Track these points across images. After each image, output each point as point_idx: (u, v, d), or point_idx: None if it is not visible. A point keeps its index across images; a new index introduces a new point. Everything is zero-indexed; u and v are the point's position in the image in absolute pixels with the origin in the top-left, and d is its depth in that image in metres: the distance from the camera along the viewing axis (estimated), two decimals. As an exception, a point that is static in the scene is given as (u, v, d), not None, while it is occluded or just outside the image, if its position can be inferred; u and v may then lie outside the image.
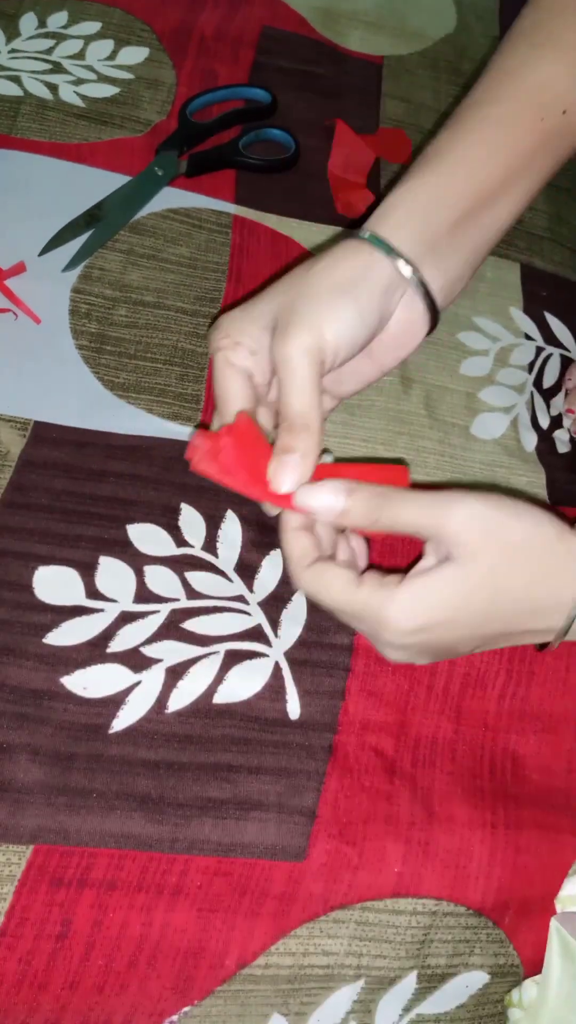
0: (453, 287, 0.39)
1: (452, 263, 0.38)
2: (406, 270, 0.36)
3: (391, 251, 0.36)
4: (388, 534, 0.37)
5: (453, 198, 0.37)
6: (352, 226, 0.56)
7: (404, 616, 0.32)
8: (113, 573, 0.39)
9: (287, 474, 0.34)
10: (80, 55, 0.57)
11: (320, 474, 0.34)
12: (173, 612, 0.39)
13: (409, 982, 0.35)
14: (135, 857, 0.34)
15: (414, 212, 0.37)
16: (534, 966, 0.37)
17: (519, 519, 0.33)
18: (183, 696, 0.37)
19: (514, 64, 0.40)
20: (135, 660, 0.38)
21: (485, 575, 0.32)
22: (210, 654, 0.39)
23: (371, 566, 0.38)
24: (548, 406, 0.52)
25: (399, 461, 0.46)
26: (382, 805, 0.37)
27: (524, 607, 0.33)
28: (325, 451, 0.42)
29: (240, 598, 0.40)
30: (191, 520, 0.42)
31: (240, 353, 0.36)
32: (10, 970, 0.31)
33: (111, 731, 0.36)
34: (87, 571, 0.39)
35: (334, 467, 0.34)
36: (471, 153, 0.38)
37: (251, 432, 0.34)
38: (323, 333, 0.34)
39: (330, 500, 0.33)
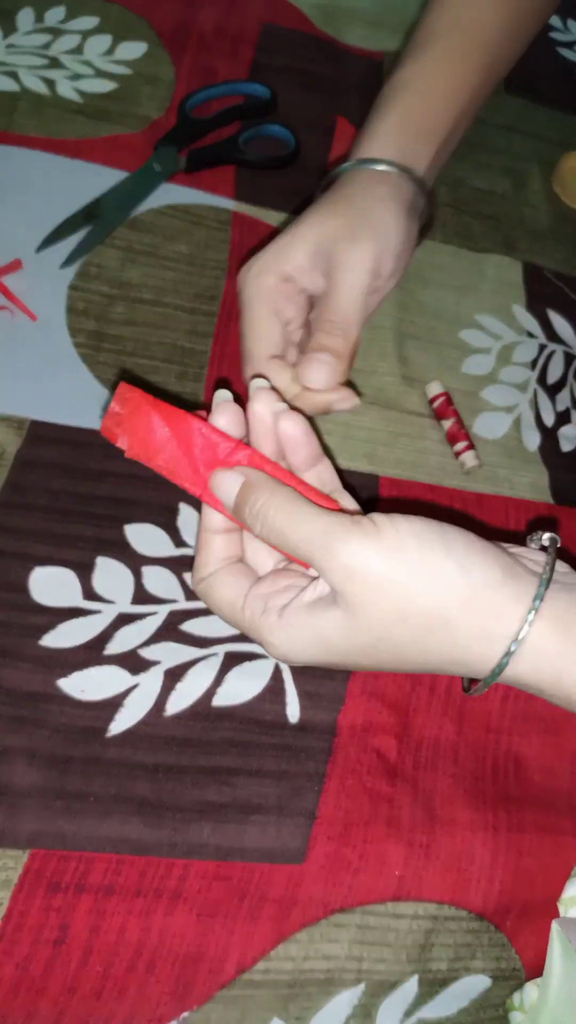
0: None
1: (431, 178, 0.44)
2: (420, 192, 0.41)
3: (410, 173, 0.41)
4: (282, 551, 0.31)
5: (435, 123, 0.44)
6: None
7: (283, 652, 0.30)
8: (111, 574, 0.39)
9: (318, 372, 0.35)
10: (78, 50, 0.56)
11: (264, 468, 0.31)
12: (171, 613, 0.39)
13: (410, 986, 0.35)
14: (133, 862, 0.33)
15: (408, 135, 0.42)
16: (536, 969, 0.37)
17: (430, 572, 0.27)
18: (182, 698, 0.37)
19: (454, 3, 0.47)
20: (133, 662, 0.37)
21: (374, 638, 0.28)
22: (209, 656, 0.38)
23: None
24: (553, 402, 0.52)
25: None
26: (383, 808, 0.36)
27: (430, 663, 0.29)
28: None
29: (239, 599, 0.40)
30: (189, 520, 0.42)
31: (283, 290, 0.37)
32: (7, 975, 0.31)
33: (109, 734, 0.36)
34: (84, 572, 0.39)
35: (282, 471, 0.31)
36: (441, 81, 0.45)
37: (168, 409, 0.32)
38: (387, 242, 0.37)
39: (234, 484, 0.31)
